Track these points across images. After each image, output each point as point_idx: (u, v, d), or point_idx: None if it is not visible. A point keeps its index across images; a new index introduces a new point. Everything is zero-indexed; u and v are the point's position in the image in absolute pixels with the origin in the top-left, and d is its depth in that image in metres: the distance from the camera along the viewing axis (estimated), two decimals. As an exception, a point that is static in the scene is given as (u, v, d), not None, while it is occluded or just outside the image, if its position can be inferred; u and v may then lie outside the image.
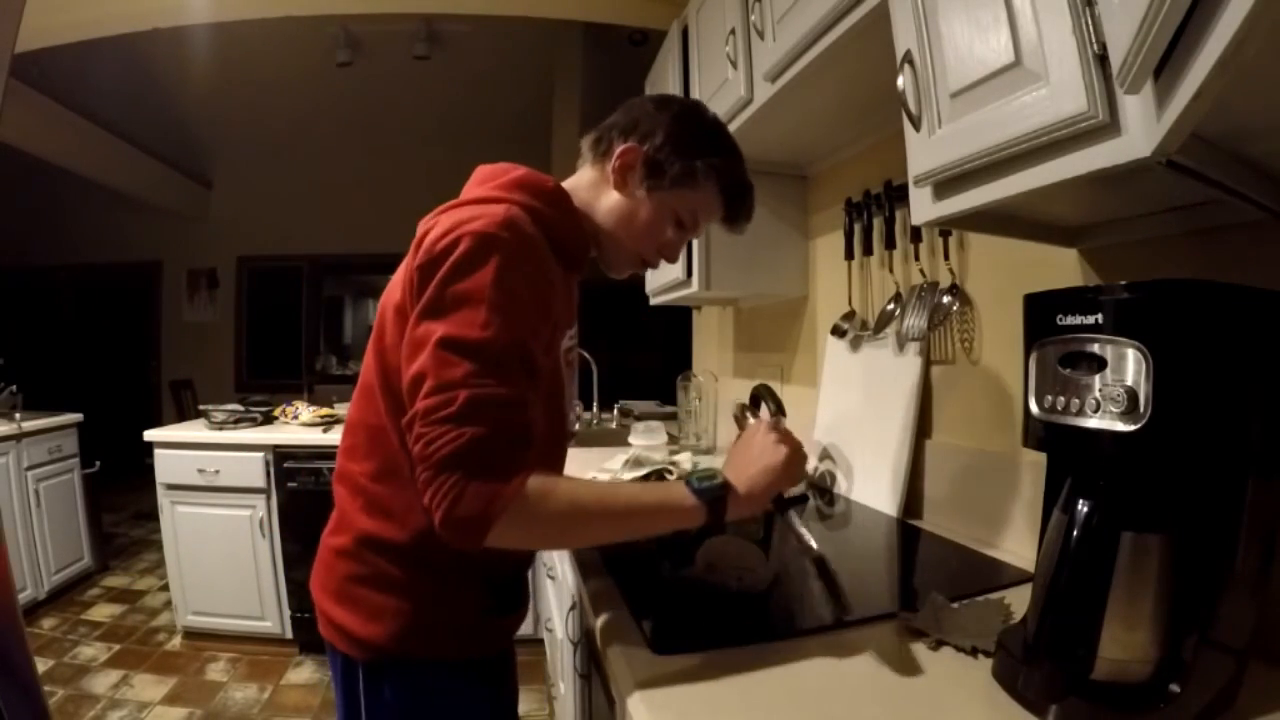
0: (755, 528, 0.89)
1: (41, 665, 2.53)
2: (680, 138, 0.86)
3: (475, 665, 0.85)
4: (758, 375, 2.10)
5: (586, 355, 2.89)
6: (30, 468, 2.99)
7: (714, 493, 0.73)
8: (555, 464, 0.92)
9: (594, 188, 0.91)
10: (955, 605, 0.84)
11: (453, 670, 0.83)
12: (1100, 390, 0.58)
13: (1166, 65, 0.48)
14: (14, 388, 3.06)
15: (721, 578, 0.89)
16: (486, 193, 0.80)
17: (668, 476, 1.75)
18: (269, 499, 2.60)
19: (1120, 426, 0.57)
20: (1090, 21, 0.59)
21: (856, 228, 1.55)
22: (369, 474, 0.83)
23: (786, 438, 0.80)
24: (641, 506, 0.74)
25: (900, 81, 0.84)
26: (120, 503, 4.76)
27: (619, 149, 0.87)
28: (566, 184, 0.90)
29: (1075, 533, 0.58)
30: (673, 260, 0.94)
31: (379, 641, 0.80)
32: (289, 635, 2.67)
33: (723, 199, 0.90)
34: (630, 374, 4.12)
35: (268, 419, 2.90)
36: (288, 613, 2.64)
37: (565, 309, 0.87)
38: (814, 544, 0.77)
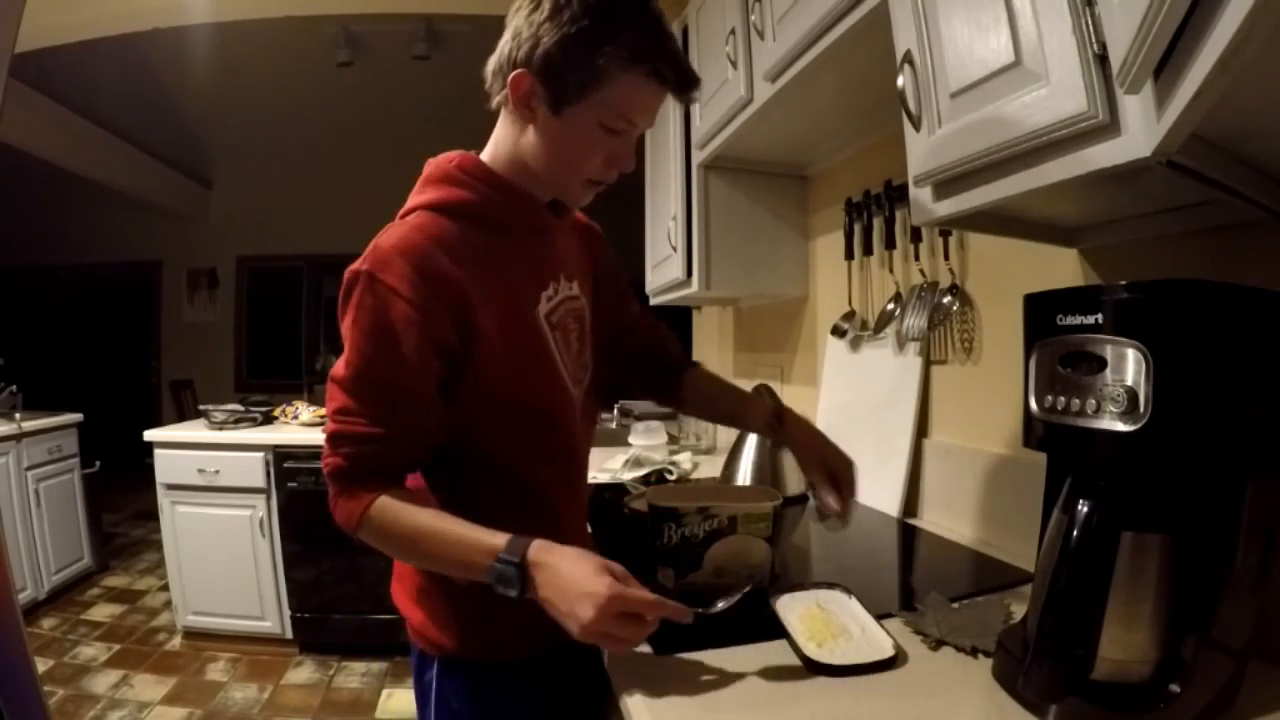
0: (764, 525, 0.89)
1: (41, 665, 2.53)
2: (562, 37, 0.72)
3: (529, 665, 0.87)
4: (758, 375, 2.10)
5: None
6: (30, 468, 2.99)
7: (501, 580, 0.70)
8: (555, 427, 0.88)
9: (512, 130, 0.81)
10: (955, 605, 0.84)
11: (517, 668, 0.87)
12: (1100, 390, 0.58)
13: (1166, 65, 0.48)
14: (14, 388, 3.06)
15: (731, 580, 0.88)
16: (409, 203, 0.82)
17: (668, 477, 1.76)
18: (269, 499, 2.60)
19: (1120, 426, 0.57)
20: (1090, 21, 0.59)
21: (856, 228, 1.55)
22: (429, 484, 0.86)
23: (613, 603, 0.65)
24: (453, 565, 0.75)
25: (900, 81, 0.84)
26: (120, 503, 4.76)
27: (510, 79, 0.76)
28: (491, 142, 0.84)
29: (1075, 533, 0.57)
30: (628, 168, 0.83)
31: (449, 645, 0.85)
32: (289, 635, 2.67)
33: (649, 81, 0.75)
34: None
35: (268, 419, 2.90)
36: (288, 613, 2.64)
37: (530, 273, 0.84)
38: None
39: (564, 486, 0.91)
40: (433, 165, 0.84)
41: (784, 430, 0.99)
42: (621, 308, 1.06)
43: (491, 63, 0.80)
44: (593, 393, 0.97)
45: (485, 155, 0.84)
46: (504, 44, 0.78)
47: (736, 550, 0.88)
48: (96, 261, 6.52)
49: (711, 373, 1.11)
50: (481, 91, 0.83)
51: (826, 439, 0.97)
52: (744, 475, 1.51)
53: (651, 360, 1.10)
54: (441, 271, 0.74)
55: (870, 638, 0.76)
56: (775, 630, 0.78)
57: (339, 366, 0.76)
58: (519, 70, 0.75)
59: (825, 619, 0.79)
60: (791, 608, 0.82)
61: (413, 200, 0.82)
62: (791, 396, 1.86)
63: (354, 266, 0.75)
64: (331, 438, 0.76)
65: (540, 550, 0.70)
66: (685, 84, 0.78)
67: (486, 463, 0.83)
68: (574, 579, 0.68)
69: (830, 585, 0.89)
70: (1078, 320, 0.61)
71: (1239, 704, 0.61)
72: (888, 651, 0.72)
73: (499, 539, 0.71)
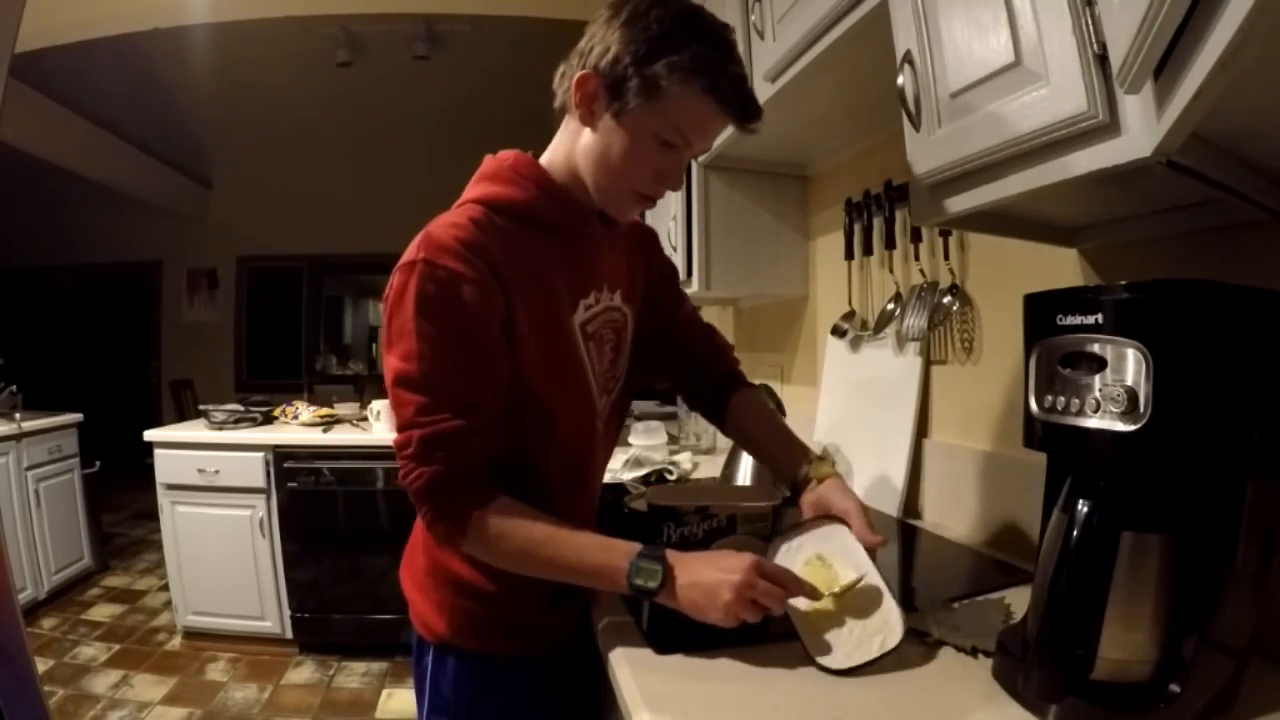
0: (763, 525, 0.88)
1: (41, 665, 2.53)
2: (634, 43, 0.73)
3: (532, 661, 0.89)
4: (758, 375, 2.10)
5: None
6: (30, 468, 2.99)
7: (642, 592, 0.72)
8: (575, 436, 0.87)
9: (572, 133, 0.82)
10: (955, 605, 0.84)
11: (509, 663, 0.88)
12: (1100, 390, 0.58)
13: (1166, 65, 0.48)
14: (14, 388, 3.06)
15: None
16: (462, 197, 0.83)
17: (668, 477, 1.76)
18: (269, 499, 2.60)
19: (1120, 426, 0.57)
20: (1090, 21, 0.59)
21: (856, 228, 1.55)
22: None
23: (746, 586, 0.68)
24: (582, 569, 0.75)
25: (900, 81, 0.84)
26: (120, 503, 4.76)
27: (575, 79, 0.76)
28: (551, 145, 0.85)
29: (1075, 533, 0.57)
30: (675, 187, 0.83)
31: (444, 633, 0.86)
32: (289, 635, 2.67)
33: (709, 97, 0.75)
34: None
35: (268, 419, 2.90)
36: (288, 613, 2.64)
37: (571, 281, 0.84)
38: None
39: (575, 493, 0.91)
40: (489, 161, 0.84)
41: (804, 493, 0.90)
42: (671, 310, 1.05)
43: (562, 65, 0.81)
44: (620, 403, 0.97)
45: (543, 158, 0.85)
46: (578, 47, 0.79)
47: (736, 550, 0.88)
48: (96, 261, 6.52)
49: (761, 400, 1.08)
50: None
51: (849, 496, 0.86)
52: (744, 475, 1.51)
53: (702, 373, 1.08)
54: (492, 257, 0.75)
55: (881, 600, 0.74)
56: (777, 630, 0.77)
57: (402, 365, 0.73)
58: (586, 72, 0.76)
59: (828, 576, 0.77)
60: (792, 561, 0.79)
61: (465, 194, 0.83)
62: (791, 396, 1.86)
63: (407, 258, 0.74)
64: (423, 443, 0.72)
65: (672, 551, 0.74)
66: (746, 110, 0.77)
67: (500, 460, 0.80)
68: (706, 578, 0.70)
69: (828, 520, 0.83)
70: (1078, 320, 0.61)
71: (1239, 704, 0.61)
72: (897, 631, 0.70)
73: (629, 544, 0.74)
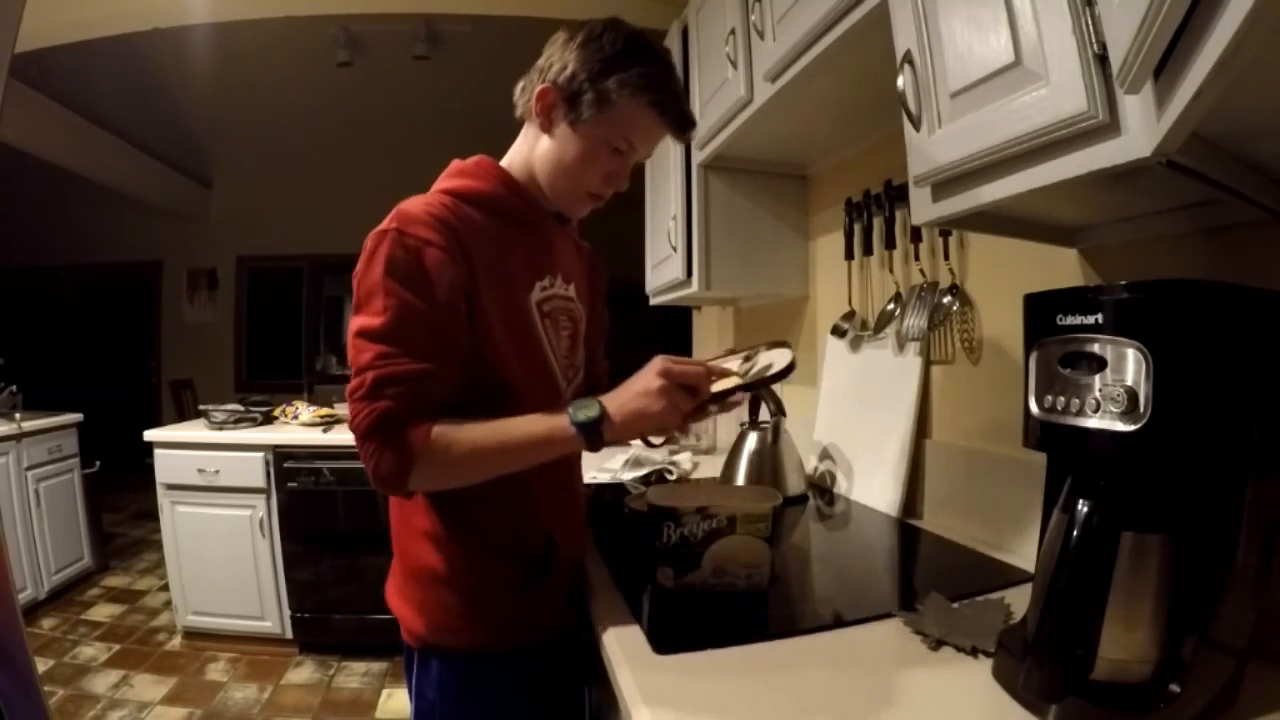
0: (763, 525, 0.89)
1: (41, 665, 2.53)
2: (590, 63, 0.84)
3: (513, 657, 0.90)
4: (758, 375, 2.10)
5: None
6: (30, 468, 2.99)
7: (589, 423, 0.78)
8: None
9: (530, 140, 0.92)
10: (955, 605, 0.84)
11: (490, 660, 0.89)
12: (1100, 390, 0.58)
13: (1166, 65, 0.48)
14: (14, 388, 3.06)
15: (730, 579, 0.89)
16: (431, 190, 0.90)
17: (668, 477, 1.76)
18: (269, 499, 2.60)
19: (1120, 426, 0.57)
20: (1090, 21, 0.59)
21: (856, 228, 1.55)
22: None
23: (666, 373, 0.79)
24: (531, 441, 0.80)
25: (900, 81, 0.84)
26: (120, 503, 4.76)
27: (536, 92, 0.87)
28: (510, 151, 0.94)
29: (1075, 533, 0.57)
30: (622, 187, 0.93)
31: (424, 634, 0.90)
32: (289, 635, 2.67)
33: (652, 111, 0.86)
34: (630, 373, 4.12)
35: (268, 419, 2.90)
36: (288, 613, 2.64)
37: (527, 262, 0.91)
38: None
39: (549, 482, 0.92)
40: (455, 164, 0.93)
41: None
42: (596, 344, 1.09)
43: (522, 80, 0.92)
44: (583, 394, 0.98)
45: (503, 161, 0.94)
46: (538, 65, 0.90)
47: (735, 550, 0.88)
48: (97, 261, 6.51)
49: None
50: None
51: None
52: (744, 475, 1.51)
53: None
54: (459, 233, 0.82)
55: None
56: (776, 630, 0.78)
57: (367, 320, 0.78)
58: (546, 85, 0.86)
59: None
60: None
61: (433, 189, 0.90)
62: (791, 396, 1.86)
63: (379, 228, 0.81)
64: (376, 382, 0.76)
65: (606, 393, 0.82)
66: (682, 122, 0.90)
67: None
68: (634, 389, 0.80)
69: None
70: (1078, 320, 0.61)
71: (1239, 704, 0.61)
72: (788, 355, 0.90)
73: (560, 416, 0.79)
